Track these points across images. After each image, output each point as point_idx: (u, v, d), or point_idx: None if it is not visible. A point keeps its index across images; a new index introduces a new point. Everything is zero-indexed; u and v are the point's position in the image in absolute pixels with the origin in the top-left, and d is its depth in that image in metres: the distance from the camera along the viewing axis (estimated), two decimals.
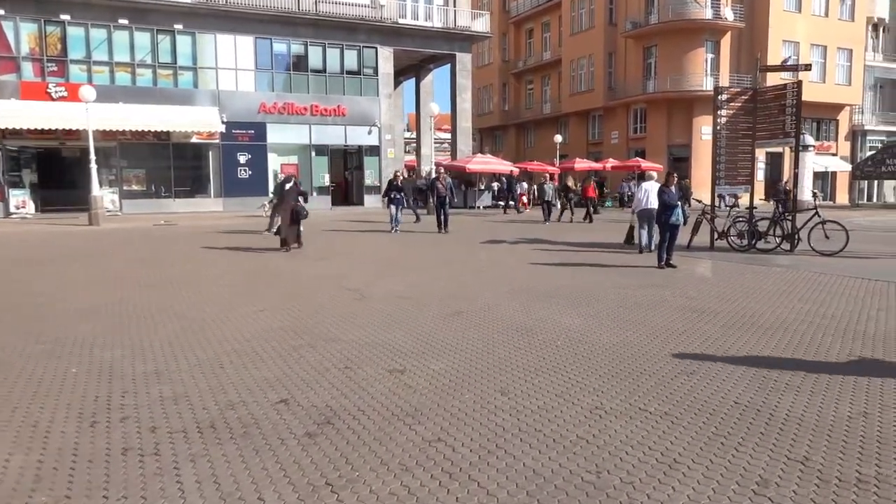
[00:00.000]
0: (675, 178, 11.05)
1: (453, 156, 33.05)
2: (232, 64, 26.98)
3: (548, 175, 24.25)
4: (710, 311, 7.01)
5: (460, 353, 5.37)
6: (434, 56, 32.67)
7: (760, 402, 4.14)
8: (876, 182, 39.09)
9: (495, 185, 32.70)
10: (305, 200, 13.51)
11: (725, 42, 34.55)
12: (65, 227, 18.77)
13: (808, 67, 15.18)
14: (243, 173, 27.21)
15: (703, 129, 32.58)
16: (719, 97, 13.52)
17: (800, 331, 6.13)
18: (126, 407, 4.14)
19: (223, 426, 3.78)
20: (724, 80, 32.43)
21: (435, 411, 4.01)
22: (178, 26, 25.71)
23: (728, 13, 33.91)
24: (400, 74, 35.12)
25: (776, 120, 13.07)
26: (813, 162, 30.52)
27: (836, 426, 3.77)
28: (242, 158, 27.23)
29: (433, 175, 22.98)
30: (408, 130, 49.47)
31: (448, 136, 37.24)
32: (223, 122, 26.00)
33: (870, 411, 4.00)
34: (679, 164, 32.80)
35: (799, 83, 12.75)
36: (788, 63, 25.49)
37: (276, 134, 27.81)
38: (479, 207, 30.74)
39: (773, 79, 23.04)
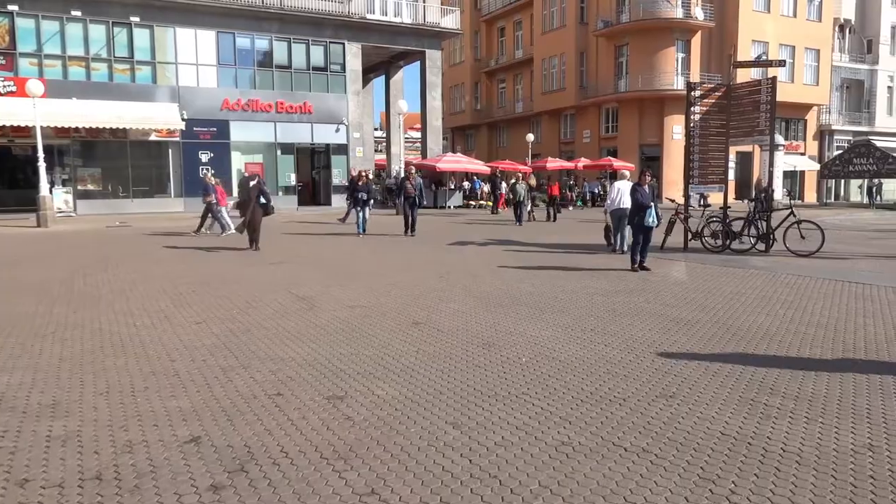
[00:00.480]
0: (649, 177, 10.54)
1: (423, 155, 32.37)
2: (193, 59, 25.89)
3: (520, 175, 23.71)
4: (688, 321, 6.50)
5: (412, 373, 4.75)
6: (404, 53, 31.94)
7: (751, 433, 3.60)
8: (843, 181, 39.49)
9: (466, 184, 32.09)
10: (268, 200, 13.31)
11: (696, 41, 34.47)
12: (9, 229, 17.66)
13: (782, 63, 14.88)
14: (205, 172, 26.15)
15: (675, 129, 32.50)
16: (693, 93, 13.11)
17: (785, 342, 5.64)
18: (1, 452, 3.43)
19: (111, 477, 3.10)
20: (695, 80, 32.31)
21: (373, 451, 3.38)
22: (135, 19, 24.56)
23: (698, 12, 33.84)
24: (370, 72, 34.34)
25: (750, 117, 12.72)
26: (783, 161, 30.64)
27: (840, 463, 3.23)
28: (204, 157, 26.15)
29: (402, 174, 22.29)
30: (380, 129, 48.68)
31: (420, 134, 36.54)
32: (184, 120, 24.91)
33: (876, 443, 3.48)
34: (651, 163, 32.64)
35: (773, 79, 12.42)
36: (761, 59, 25.35)
37: (240, 132, 26.82)
38: (449, 207, 30.12)
39: (743, 78, 22.88)
